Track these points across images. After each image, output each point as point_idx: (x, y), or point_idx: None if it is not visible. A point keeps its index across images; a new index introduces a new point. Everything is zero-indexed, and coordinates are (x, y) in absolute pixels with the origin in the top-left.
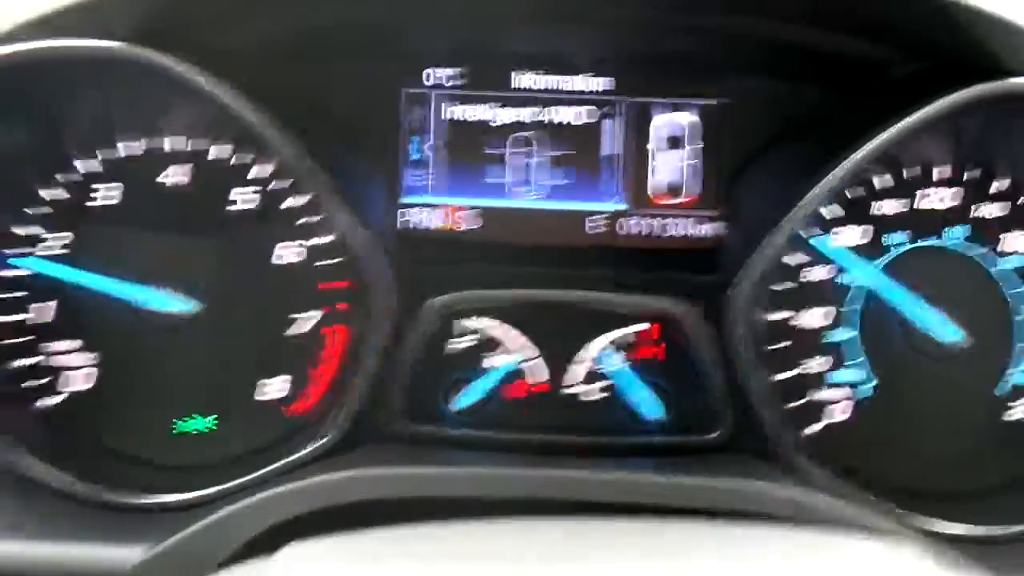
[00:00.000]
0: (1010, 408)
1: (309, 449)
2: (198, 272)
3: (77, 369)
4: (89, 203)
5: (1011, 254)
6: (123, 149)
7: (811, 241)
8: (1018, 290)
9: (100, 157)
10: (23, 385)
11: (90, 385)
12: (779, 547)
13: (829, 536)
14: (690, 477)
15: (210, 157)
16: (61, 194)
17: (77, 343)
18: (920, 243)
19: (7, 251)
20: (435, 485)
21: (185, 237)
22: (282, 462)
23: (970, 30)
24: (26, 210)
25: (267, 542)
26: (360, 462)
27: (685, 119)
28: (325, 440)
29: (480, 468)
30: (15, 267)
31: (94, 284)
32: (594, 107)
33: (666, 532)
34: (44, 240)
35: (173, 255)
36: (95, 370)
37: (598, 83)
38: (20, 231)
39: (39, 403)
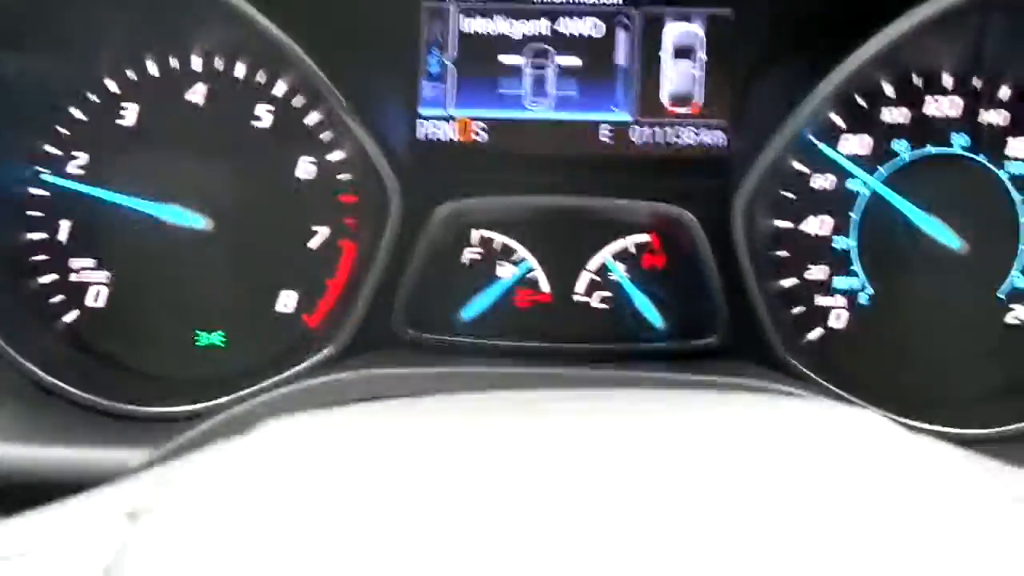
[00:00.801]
0: (1012, 310)
1: (315, 358)
2: (221, 187)
3: (93, 286)
4: (119, 121)
5: (1015, 160)
6: (152, 68)
7: (818, 147)
8: (1023, 195)
9: (130, 76)
10: (47, 301)
11: (103, 303)
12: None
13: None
14: (680, 375)
15: (235, 74)
16: (92, 113)
17: (93, 261)
18: (928, 149)
19: (41, 169)
20: (431, 384)
21: (211, 153)
22: (289, 371)
23: None
24: (59, 128)
25: None
26: (362, 366)
27: (695, 29)
28: (329, 349)
29: (480, 368)
30: (46, 185)
31: (126, 201)
32: (607, 18)
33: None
34: (75, 158)
35: (198, 171)
36: (108, 288)
37: None
38: (53, 149)
39: (60, 319)
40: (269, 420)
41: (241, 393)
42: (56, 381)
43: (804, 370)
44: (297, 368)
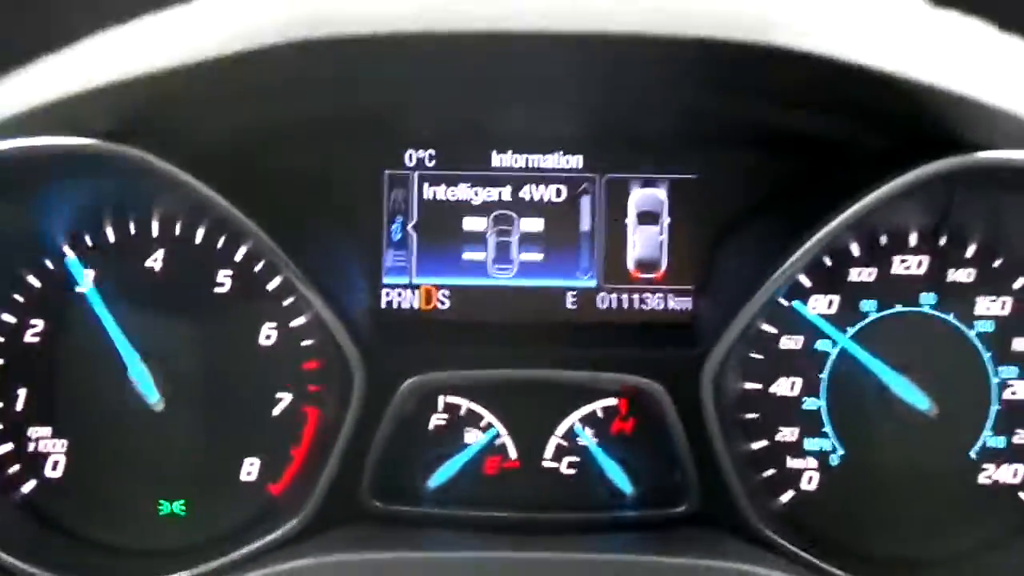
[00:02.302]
0: (984, 470)
1: (280, 532)
2: (182, 352)
3: (52, 455)
4: (77, 288)
5: (984, 318)
6: (110, 234)
7: (787, 308)
8: (992, 353)
9: (88, 242)
10: (2, 472)
11: (63, 473)
12: None
13: None
14: (654, 556)
15: (195, 241)
16: (49, 279)
17: (50, 430)
18: (896, 308)
19: None
20: (403, 570)
21: (171, 318)
22: (253, 546)
23: (930, 108)
24: (14, 295)
25: None
26: (327, 546)
27: (660, 195)
28: (294, 522)
29: (449, 552)
30: (2, 353)
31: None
32: (571, 184)
33: None
34: (33, 326)
35: (158, 337)
36: (66, 457)
37: (572, 160)
38: (9, 317)
39: (16, 491)
40: None
41: (203, 569)
42: (10, 558)
43: (775, 538)
44: (261, 542)
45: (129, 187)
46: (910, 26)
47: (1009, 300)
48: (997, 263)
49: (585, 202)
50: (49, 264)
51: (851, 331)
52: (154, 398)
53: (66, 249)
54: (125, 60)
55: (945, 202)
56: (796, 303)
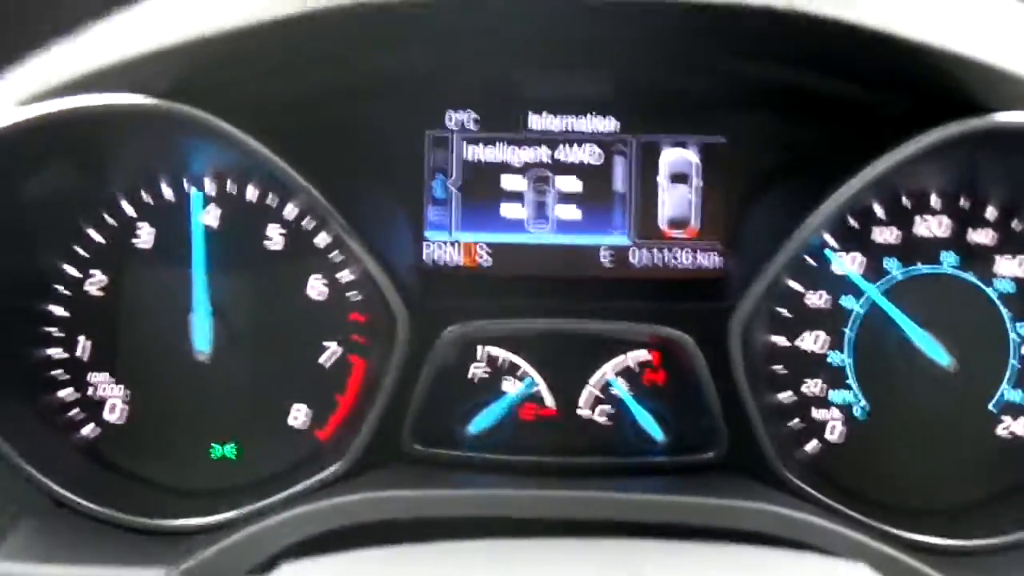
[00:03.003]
0: (1003, 422)
1: (325, 473)
2: (235, 305)
3: (110, 400)
4: (134, 241)
5: (1003, 277)
6: (167, 192)
7: (813, 267)
8: (1011, 311)
9: (145, 199)
10: (65, 416)
11: (122, 418)
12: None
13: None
14: (682, 496)
15: (246, 198)
16: (108, 233)
17: (110, 377)
18: (918, 268)
19: (58, 287)
20: (442, 506)
21: (224, 272)
22: (300, 486)
23: (950, 72)
24: (76, 248)
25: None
26: (371, 485)
27: (690, 156)
28: (339, 464)
29: (486, 490)
30: (65, 302)
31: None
32: (605, 146)
33: (635, 548)
34: (92, 276)
35: (212, 289)
36: (125, 403)
37: (607, 123)
38: (71, 269)
39: (77, 433)
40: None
41: (252, 508)
42: (72, 495)
43: (800, 484)
44: (307, 483)
45: (186, 145)
46: None
47: None
48: (1016, 224)
49: (619, 162)
50: (109, 219)
51: (875, 289)
52: (205, 349)
53: (124, 204)
54: (182, 22)
55: (966, 165)
56: (817, 264)
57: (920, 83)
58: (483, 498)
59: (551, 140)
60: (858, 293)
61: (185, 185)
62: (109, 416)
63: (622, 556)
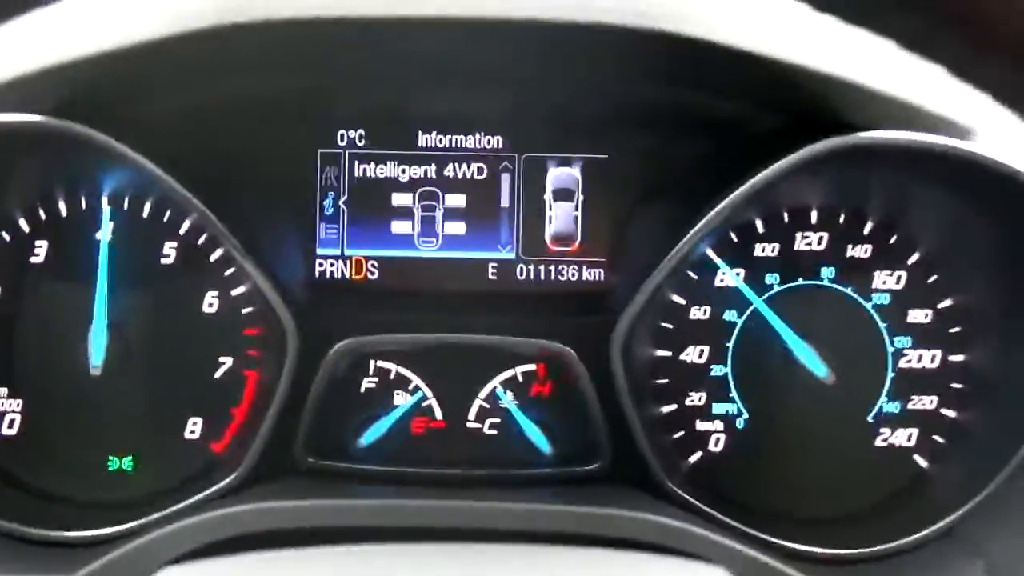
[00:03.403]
0: (881, 433)
1: (220, 485)
2: (132, 320)
3: (7, 414)
4: (31, 258)
5: (880, 291)
6: (63, 207)
7: (696, 281)
8: (888, 324)
9: (41, 215)
10: None
11: (18, 431)
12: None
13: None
14: (562, 506)
15: (142, 215)
16: (3, 250)
17: (6, 390)
18: (798, 281)
19: None
20: (331, 516)
21: (121, 288)
22: (195, 498)
23: (819, 92)
24: None
25: None
26: (264, 496)
27: (574, 173)
28: (233, 476)
29: (375, 500)
30: None
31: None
32: (491, 163)
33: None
34: None
35: (108, 305)
36: (21, 415)
37: (493, 140)
38: None
39: None
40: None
41: (148, 519)
42: None
43: (683, 495)
44: (202, 495)
45: (79, 163)
46: (798, 21)
47: (904, 274)
48: (893, 239)
49: (505, 179)
50: (5, 235)
51: (759, 301)
52: (99, 363)
53: (21, 222)
54: (68, 40)
55: (841, 182)
56: (700, 279)
57: (792, 102)
58: (371, 508)
59: (439, 158)
60: (741, 306)
61: (83, 202)
62: (6, 430)
63: (481, 558)
